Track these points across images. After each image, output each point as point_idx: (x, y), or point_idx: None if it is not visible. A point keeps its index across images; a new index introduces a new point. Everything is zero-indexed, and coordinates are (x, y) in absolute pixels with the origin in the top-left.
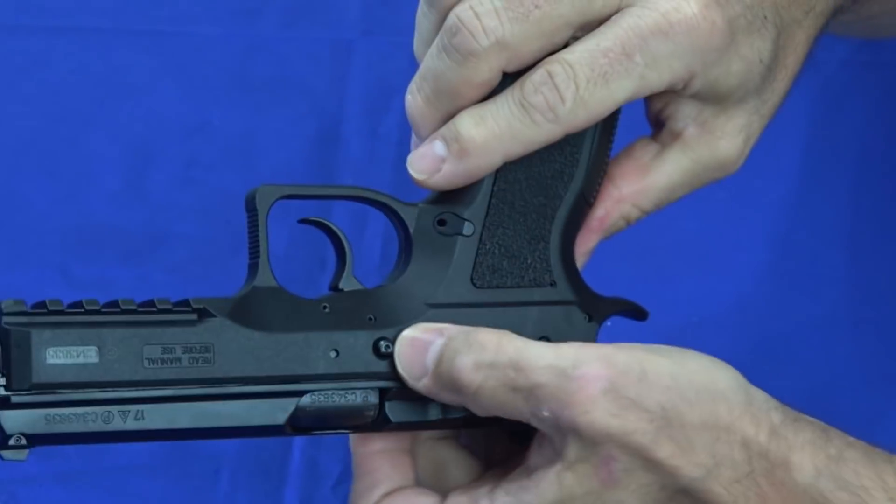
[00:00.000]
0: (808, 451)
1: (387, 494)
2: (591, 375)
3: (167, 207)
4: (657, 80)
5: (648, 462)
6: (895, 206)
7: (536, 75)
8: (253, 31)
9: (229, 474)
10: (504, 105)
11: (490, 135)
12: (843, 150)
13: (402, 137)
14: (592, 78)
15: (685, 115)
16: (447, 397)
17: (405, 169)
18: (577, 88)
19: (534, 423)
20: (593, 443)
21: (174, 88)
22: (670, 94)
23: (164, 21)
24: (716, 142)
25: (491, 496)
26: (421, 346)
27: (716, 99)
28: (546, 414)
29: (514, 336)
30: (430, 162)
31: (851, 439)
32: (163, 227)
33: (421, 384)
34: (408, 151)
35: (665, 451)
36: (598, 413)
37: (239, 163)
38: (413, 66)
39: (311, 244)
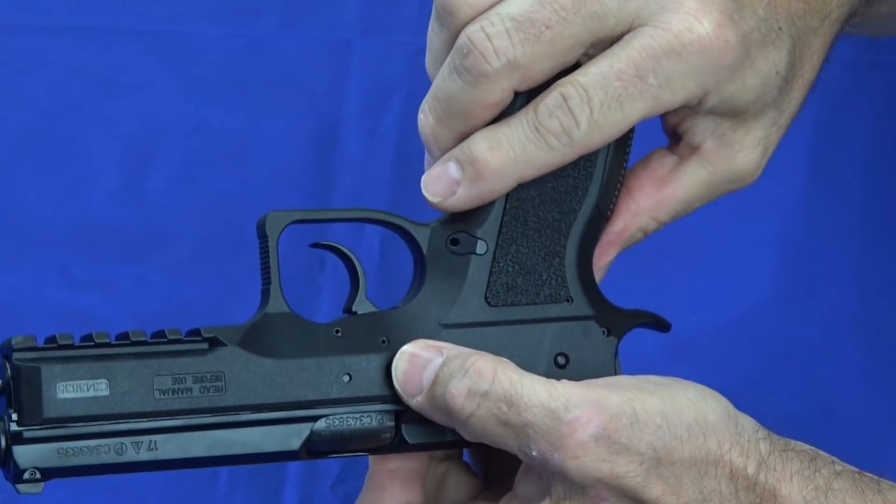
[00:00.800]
0: (797, 482)
1: None
2: (582, 420)
3: (166, 207)
4: (671, 99)
5: (635, 502)
6: (894, 204)
7: (550, 98)
8: (252, 30)
9: (228, 474)
10: (518, 128)
11: (505, 158)
12: (849, 151)
13: (401, 137)
14: (606, 101)
15: (702, 129)
16: (438, 418)
17: (404, 168)
18: (592, 112)
19: (522, 457)
20: (581, 486)
21: (173, 88)
22: (686, 109)
23: (163, 20)
24: (734, 155)
25: None
26: (419, 363)
27: (733, 113)
28: (535, 454)
29: (511, 367)
30: (444, 185)
31: (839, 467)
32: (161, 226)
33: (415, 402)
34: (406, 151)
35: (655, 492)
36: (588, 459)
37: (237, 162)
38: (411, 66)
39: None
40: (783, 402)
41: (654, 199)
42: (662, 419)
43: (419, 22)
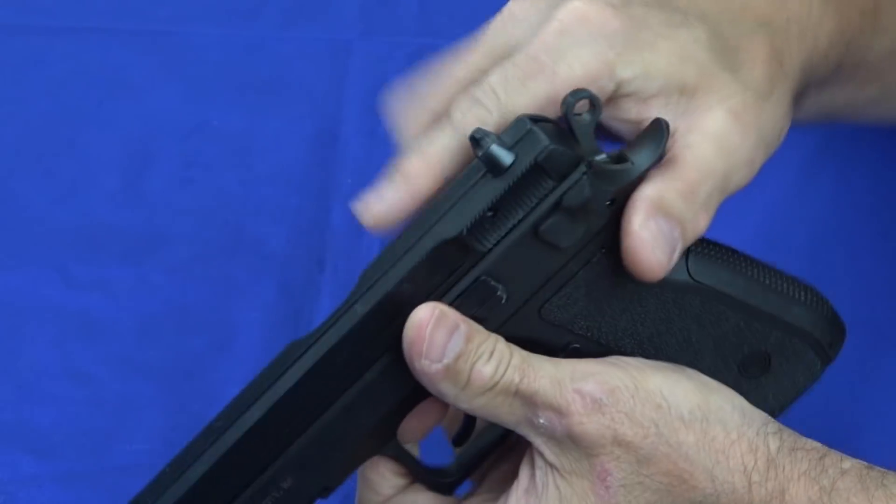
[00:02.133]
0: (804, 483)
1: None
2: (587, 388)
3: (166, 207)
4: (568, 72)
5: (645, 478)
6: (893, 204)
7: (463, 101)
8: (252, 31)
9: None
10: (441, 134)
11: (433, 162)
12: (849, 148)
13: None
14: (509, 86)
15: (658, 109)
16: (444, 388)
17: None
18: (498, 97)
19: (527, 431)
20: (588, 454)
21: (173, 88)
22: (624, 99)
23: (163, 21)
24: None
25: None
26: (443, 332)
27: (672, 85)
28: (542, 421)
29: (519, 348)
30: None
31: (848, 464)
32: (161, 227)
33: (433, 368)
34: None
35: (660, 467)
36: (593, 424)
37: (237, 163)
38: (411, 66)
39: (310, 245)
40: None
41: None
42: (663, 399)
43: (418, 23)
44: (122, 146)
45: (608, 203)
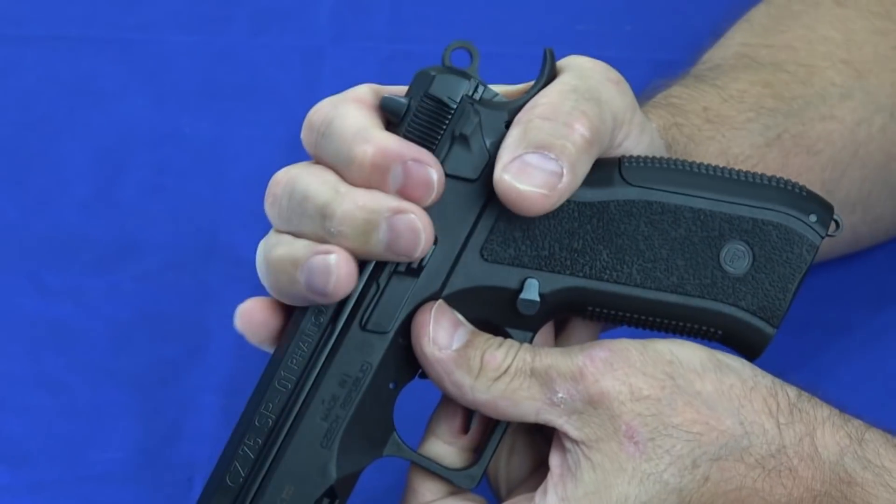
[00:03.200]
0: (829, 428)
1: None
2: (595, 351)
3: (138, 215)
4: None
5: (670, 428)
6: None
7: None
8: (223, 38)
9: (202, 483)
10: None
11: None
12: None
13: None
14: None
15: None
16: (455, 378)
17: None
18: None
19: (549, 415)
20: (610, 415)
21: (144, 96)
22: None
23: (134, 29)
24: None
25: None
26: (448, 321)
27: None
28: (561, 395)
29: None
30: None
31: (866, 422)
32: (133, 234)
33: (443, 354)
34: None
35: (684, 416)
36: (608, 381)
37: (209, 169)
38: (383, 71)
39: None
40: None
41: None
42: (672, 356)
43: (390, 28)
44: (93, 154)
45: (506, 126)
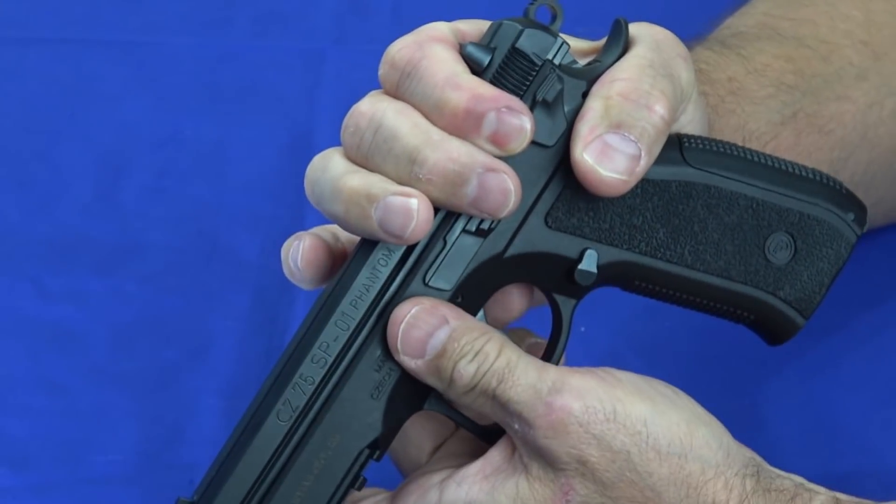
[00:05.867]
0: None
1: None
2: (558, 405)
3: (139, 217)
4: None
5: (608, 500)
6: None
7: None
8: (224, 40)
9: None
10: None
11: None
12: None
13: None
14: None
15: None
16: (430, 381)
17: None
18: None
19: (507, 430)
20: (554, 467)
21: (146, 98)
22: None
23: (135, 31)
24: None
25: (441, 487)
26: (424, 328)
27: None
28: (516, 427)
29: (514, 348)
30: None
31: (819, 500)
32: (135, 237)
33: (413, 364)
34: None
35: (626, 493)
36: (557, 441)
37: (211, 172)
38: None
39: None
40: (763, 411)
41: None
42: (643, 426)
43: (391, 31)
44: (95, 156)
45: (583, 97)
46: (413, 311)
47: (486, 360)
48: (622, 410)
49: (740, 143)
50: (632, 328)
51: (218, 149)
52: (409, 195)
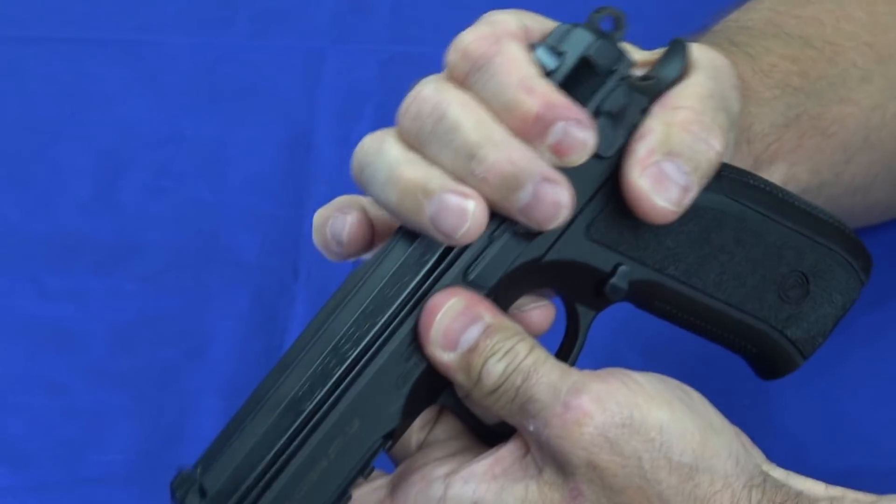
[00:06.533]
0: None
1: None
2: (575, 406)
3: (138, 217)
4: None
5: None
6: None
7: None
8: (223, 39)
9: None
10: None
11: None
12: None
13: None
14: None
15: None
16: (457, 377)
17: None
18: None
19: (522, 432)
20: (564, 471)
21: (145, 97)
22: None
23: (135, 30)
24: None
25: (447, 482)
26: (460, 323)
27: None
28: (531, 428)
29: (542, 350)
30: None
31: None
32: (134, 236)
33: (445, 357)
34: None
35: (633, 500)
36: (570, 442)
37: (210, 171)
38: (383, 73)
39: (284, 253)
40: (764, 410)
41: None
42: (658, 434)
43: (391, 30)
44: (94, 155)
45: (641, 112)
46: (451, 301)
47: (516, 358)
48: (639, 416)
49: (744, 144)
50: (632, 328)
51: (217, 148)
52: (466, 196)
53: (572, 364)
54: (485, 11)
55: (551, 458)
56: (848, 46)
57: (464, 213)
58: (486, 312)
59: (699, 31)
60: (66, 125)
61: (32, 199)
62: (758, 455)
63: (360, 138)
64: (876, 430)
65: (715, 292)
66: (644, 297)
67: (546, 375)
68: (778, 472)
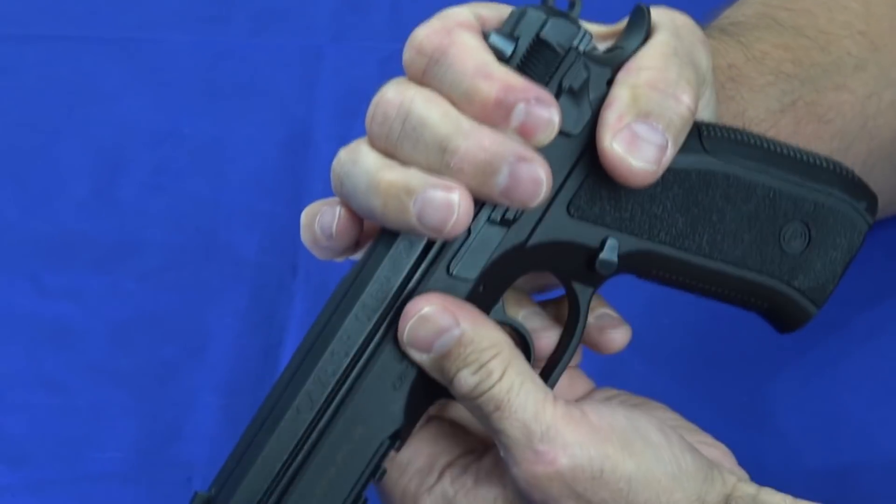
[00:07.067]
0: None
1: None
2: (549, 457)
3: (137, 215)
4: None
5: None
6: None
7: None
8: (222, 37)
9: (201, 482)
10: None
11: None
12: None
13: None
14: None
15: None
16: (433, 375)
17: None
18: None
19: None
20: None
21: (143, 95)
22: None
23: (133, 28)
24: None
25: (440, 482)
26: (433, 328)
27: None
28: (502, 454)
29: (519, 369)
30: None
31: None
32: (133, 234)
33: (418, 357)
34: None
35: None
36: (539, 491)
37: (209, 169)
38: (382, 71)
39: (282, 251)
40: (763, 408)
41: None
42: (626, 484)
43: (390, 28)
44: (92, 153)
45: (608, 84)
46: (425, 310)
47: (489, 378)
48: (609, 468)
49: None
50: (632, 326)
51: (216, 146)
52: (450, 189)
53: (578, 341)
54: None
55: (516, 489)
56: (841, 35)
57: (450, 206)
58: (463, 319)
59: None
60: (64, 123)
61: (31, 197)
62: (730, 479)
63: (358, 136)
64: (874, 428)
65: (711, 253)
66: (640, 267)
67: (520, 410)
68: (749, 489)
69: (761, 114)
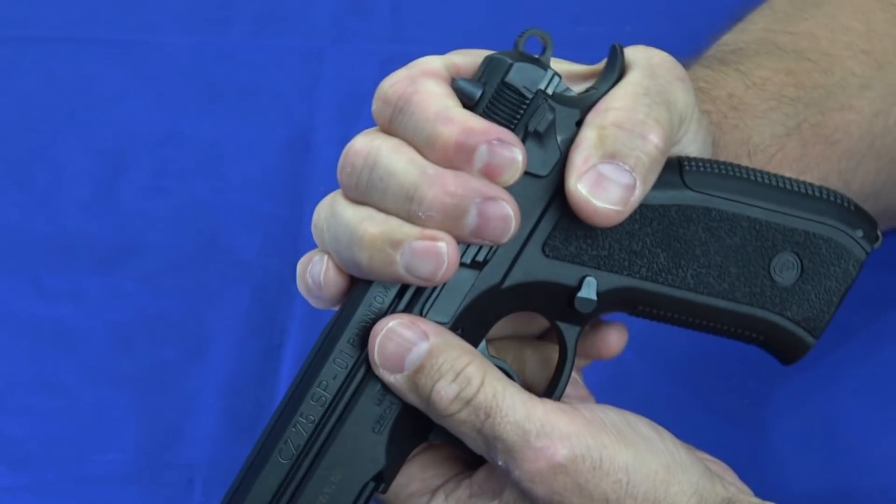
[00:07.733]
0: None
1: None
2: (548, 452)
3: (138, 216)
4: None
5: None
6: None
7: None
8: (223, 39)
9: (203, 484)
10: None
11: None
12: None
13: None
14: None
15: None
16: (412, 399)
17: None
18: None
19: (489, 460)
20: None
21: (144, 97)
22: None
23: (135, 30)
24: None
25: (434, 500)
26: (402, 343)
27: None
28: (500, 463)
29: (497, 376)
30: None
31: None
32: (134, 236)
33: (392, 379)
34: None
35: None
36: (543, 487)
37: (210, 171)
38: (382, 73)
39: (283, 253)
40: (763, 411)
41: None
42: (625, 475)
43: (390, 30)
44: (94, 155)
45: (577, 125)
46: (390, 324)
47: (469, 385)
48: (607, 458)
49: (745, 157)
50: (632, 329)
51: (217, 148)
52: (435, 238)
53: (567, 380)
54: (483, 11)
55: (518, 493)
56: (844, 56)
57: (439, 255)
58: (431, 332)
59: (692, 55)
60: (66, 125)
61: (32, 198)
62: (731, 488)
63: None
64: (875, 432)
65: (697, 287)
66: (625, 303)
67: (511, 413)
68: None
69: (766, 139)
